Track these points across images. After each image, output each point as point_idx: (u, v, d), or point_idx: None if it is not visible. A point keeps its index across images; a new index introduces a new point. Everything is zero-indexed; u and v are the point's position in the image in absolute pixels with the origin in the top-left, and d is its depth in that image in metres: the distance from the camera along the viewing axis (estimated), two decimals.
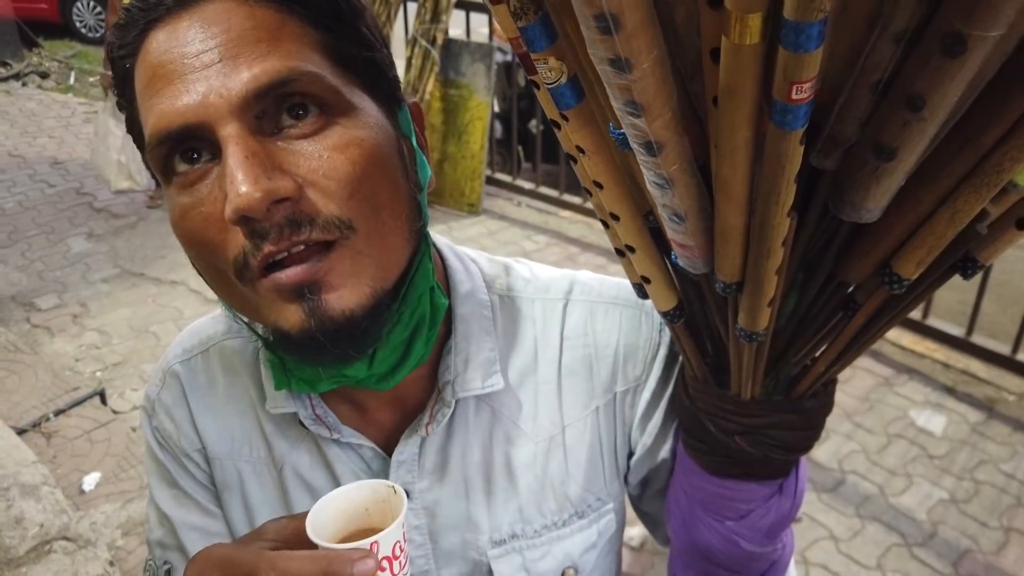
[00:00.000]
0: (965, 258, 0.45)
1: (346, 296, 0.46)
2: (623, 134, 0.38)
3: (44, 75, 7.28)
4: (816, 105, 0.38)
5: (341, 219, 0.45)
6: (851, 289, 0.45)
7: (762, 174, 0.36)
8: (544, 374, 0.60)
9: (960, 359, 2.95)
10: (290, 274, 0.44)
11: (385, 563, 0.42)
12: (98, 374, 3.06)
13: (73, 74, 7.33)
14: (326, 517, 0.45)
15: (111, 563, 2.07)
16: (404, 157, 0.51)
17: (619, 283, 0.62)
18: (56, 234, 4.26)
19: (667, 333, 0.61)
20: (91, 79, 7.16)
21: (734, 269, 0.42)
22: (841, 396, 2.80)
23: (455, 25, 4.16)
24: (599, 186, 0.45)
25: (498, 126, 4.50)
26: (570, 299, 0.62)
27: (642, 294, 0.52)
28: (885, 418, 2.69)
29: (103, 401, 2.82)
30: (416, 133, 0.55)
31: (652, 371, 0.60)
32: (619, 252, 0.50)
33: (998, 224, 0.44)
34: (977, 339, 2.93)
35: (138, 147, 0.49)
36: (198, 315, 3.60)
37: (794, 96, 0.32)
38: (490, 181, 4.51)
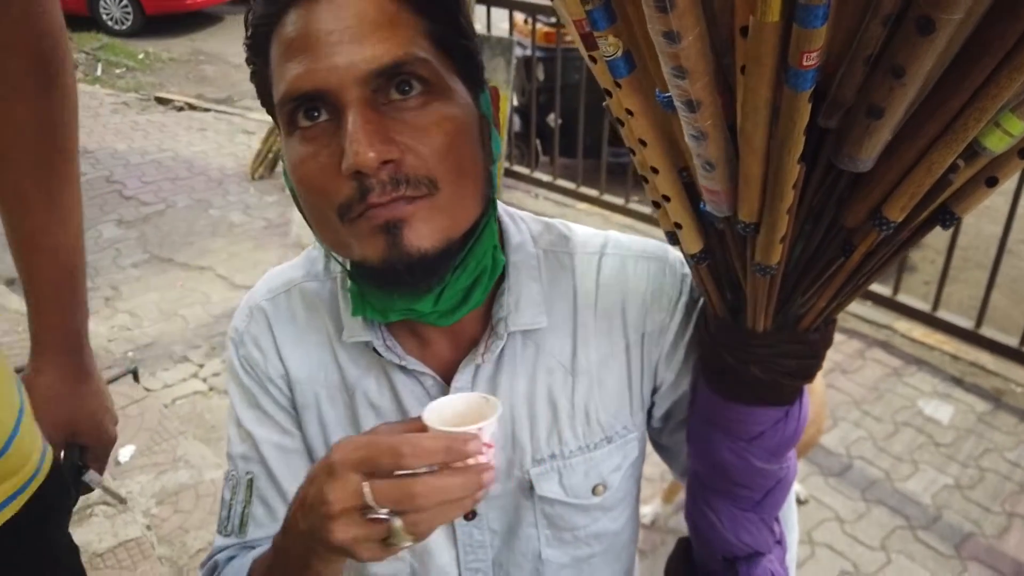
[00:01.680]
0: (944, 211, 0.55)
1: (423, 238, 0.56)
2: (669, 97, 0.47)
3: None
4: (823, 75, 0.47)
5: (431, 179, 0.55)
6: (848, 234, 0.54)
7: (777, 128, 0.45)
8: (582, 317, 0.70)
9: (969, 351, 3.02)
10: (381, 211, 0.55)
11: (485, 448, 0.52)
12: (130, 354, 3.18)
13: (100, 66, 7.48)
14: (437, 419, 0.55)
15: (148, 527, 2.18)
16: (483, 133, 0.62)
17: (646, 241, 0.73)
18: (87, 221, 4.34)
19: (688, 283, 0.70)
20: (117, 71, 7.31)
21: (753, 210, 0.51)
22: (851, 385, 2.88)
23: (475, 20, 4.24)
24: (643, 144, 0.54)
25: (517, 120, 4.59)
26: (604, 252, 0.72)
27: (673, 240, 0.61)
28: (893, 407, 2.77)
29: (136, 379, 2.93)
30: (492, 114, 0.64)
31: (675, 315, 0.70)
32: (655, 204, 0.60)
33: (972, 182, 0.53)
34: (986, 331, 2.99)
35: (261, 101, 0.60)
36: (225, 300, 3.68)
37: (804, 63, 0.41)
38: (508, 174, 4.60)
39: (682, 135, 0.50)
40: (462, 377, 0.67)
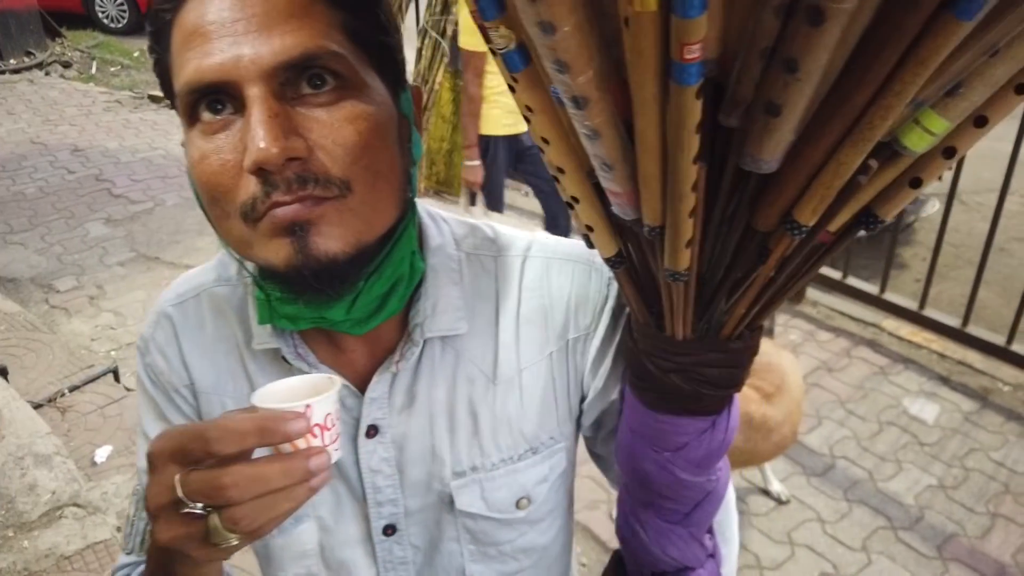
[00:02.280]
0: (867, 214, 0.52)
1: (332, 242, 0.53)
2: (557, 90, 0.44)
3: (67, 65, 7.41)
4: (720, 70, 0.44)
5: (342, 180, 0.52)
6: (764, 238, 0.51)
7: (669, 125, 0.42)
8: (504, 322, 0.67)
9: (956, 349, 2.99)
10: (287, 211, 0.51)
11: (317, 430, 0.48)
12: (112, 353, 3.16)
13: (95, 64, 7.47)
14: (269, 399, 0.50)
15: (118, 529, 2.16)
16: (402, 134, 0.59)
17: (573, 242, 0.69)
18: (75, 219, 4.38)
19: (615, 287, 0.67)
20: (112, 69, 7.28)
21: (655, 213, 0.48)
22: (836, 384, 2.85)
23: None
24: (546, 142, 0.51)
25: None
26: (528, 255, 0.68)
27: (589, 243, 0.58)
28: (878, 406, 2.74)
29: (116, 378, 2.92)
30: (414, 114, 0.61)
31: (601, 320, 0.67)
32: (568, 205, 0.57)
33: (895, 184, 0.50)
34: (973, 329, 2.97)
35: (164, 91, 0.56)
36: None
37: (686, 56, 0.38)
38: None
39: None
40: (378, 387, 0.64)
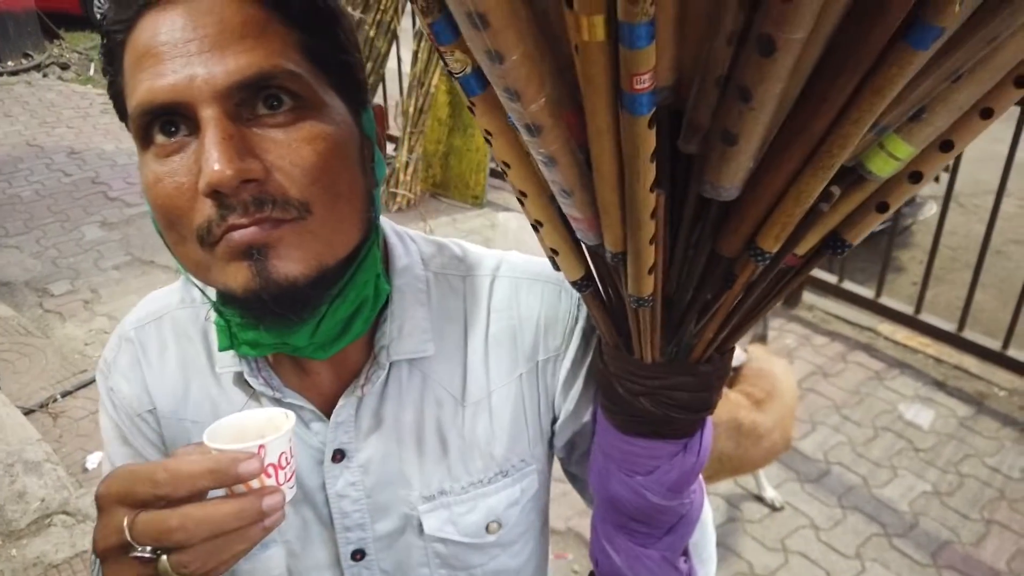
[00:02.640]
0: (834, 238, 0.51)
1: (292, 265, 0.51)
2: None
3: (64, 66, 7.41)
4: (677, 96, 0.43)
5: (301, 202, 0.51)
6: (730, 264, 0.51)
7: (624, 155, 0.41)
8: (472, 344, 0.66)
9: (952, 354, 2.98)
10: (243, 234, 0.50)
11: (271, 469, 0.47)
12: None
13: (93, 66, 7.45)
14: (222, 436, 0.49)
15: None
16: (364, 154, 0.57)
17: (543, 262, 0.68)
18: (71, 222, 4.37)
19: (585, 307, 0.66)
20: None
21: (616, 239, 0.47)
22: (831, 389, 2.84)
23: None
24: (507, 166, 0.50)
25: None
26: (497, 275, 0.67)
27: (555, 266, 0.57)
28: (873, 411, 2.73)
29: None
30: (377, 134, 0.60)
31: (572, 341, 0.66)
32: (534, 227, 0.56)
33: (862, 208, 0.49)
34: (969, 334, 2.95)
35: (119, 114, 0.56)
36: None
37: (636, 86, 0.37)
38: (494, 174, 4.56)
39: None
40: (343, 411, 0.63)
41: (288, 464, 0.49)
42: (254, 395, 0.64)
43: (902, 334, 3.11)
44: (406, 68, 4.32)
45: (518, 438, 0.67)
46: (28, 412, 2.62)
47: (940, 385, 2.85)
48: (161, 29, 0.50)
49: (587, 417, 0.67)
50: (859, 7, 0.35)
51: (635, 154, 0.40)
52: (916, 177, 0.47)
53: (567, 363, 0.66)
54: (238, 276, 0.51)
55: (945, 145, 0.45)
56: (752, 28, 0.37)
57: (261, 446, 0.47)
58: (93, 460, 2.50)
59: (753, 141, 0.40)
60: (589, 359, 0.66)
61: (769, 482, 2.37)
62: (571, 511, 2.29)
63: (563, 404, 0.67)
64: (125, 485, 0.45)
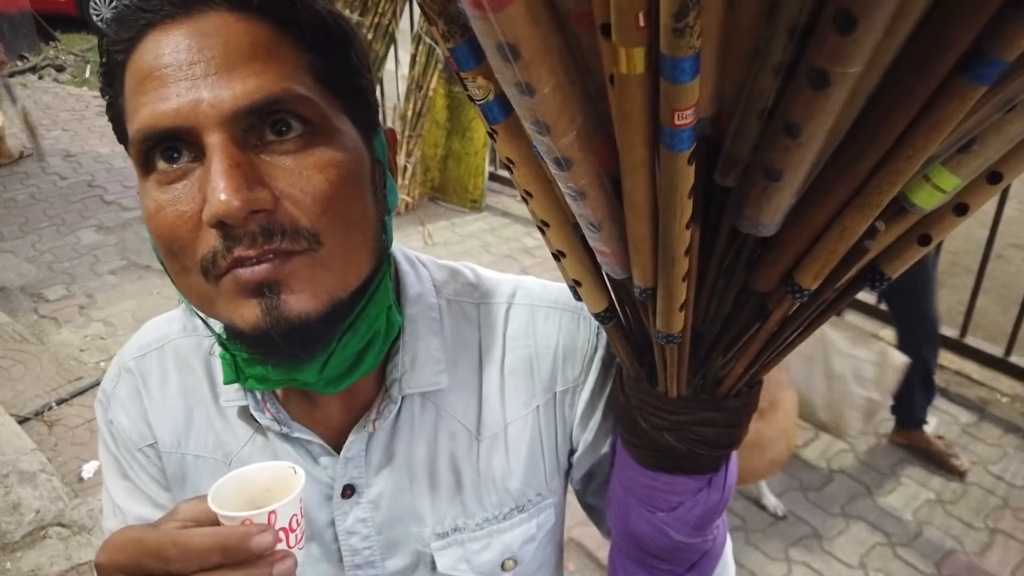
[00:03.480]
0: (873, 271, 0.48)
1: (304, 300, 0.49)
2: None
3: (60, 68, 7.36)
4: (715, 128, 0.41)
5: (311, 232, 0.48)
6: (763, 298, 0.48)
7: (660, 190, 0.39)
8: (488, 374, 0.63)
9: (954, 360, 2.97)
10: (254, 271, 0.47)
11: (282, 534, 0.45)
12: (102, 364, 3.12)
13: (89, 67, 7.40)
14: (228, 494, 0.47)
15: None
16: (376, 180, 0.55)
17: (560, 288, 0.65)
18: (66, 226, 4.33)
19: (604, 335, 0.64)
20: None
21: (646, 275, 0.45)
22: None
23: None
24: (529, 195, 0.48)
25: None
26: (512, 303, 0.65)
27: (577, 296, 0.55)
28: (876, 418, 2.71)
29: None
30: (388, 158, 0.58)
31: (591, 372, 0.64)
32: (555, 257, 0.53)
33: (902, 240, 0.47)
34: (971, 340, 2.94)
35: (118, 136, 0.53)
36: None
37: (677, 121, 0.35)
38: (493, 178, 4.55)
39: None
40: (353, 446, 0.61)
41: (299, 526, 0.47)
42: (259, 429, 0.62)
43: None
44: (404, 71, 4.30)
45: (534, 471, 0.65)
46: (23, 420, 2.59)
47: (942, 391, 2.84)
48: (164, 50, 0.47)
49: (606, 448, 0.65)
50: (919, 40, 0.33)
51: (672, 190, 0.38)
52: (961, 209, 0.44)
53: (586, 394, 0.64)
54: (246, 314, 0.48)
55: (993, 177, 0.43)
56: (802, 59, 0.34)
57: (272, 512, 0.45)
58: (89, 469, 2.46)
59: (798, 177, 0.38)
60: (608, 390, 0.64)
61: (771, 491, 2.35)
62: (572, 520, 2.25)
63: (581, 436, 0.65)
64: (132, 557, 0.43)
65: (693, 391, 0.55)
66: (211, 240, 0.47)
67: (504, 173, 4.55)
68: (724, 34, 0.35)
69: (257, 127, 0.47)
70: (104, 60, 0.51)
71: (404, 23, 4.33)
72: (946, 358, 2.98)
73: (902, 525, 2.29)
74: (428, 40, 4.08)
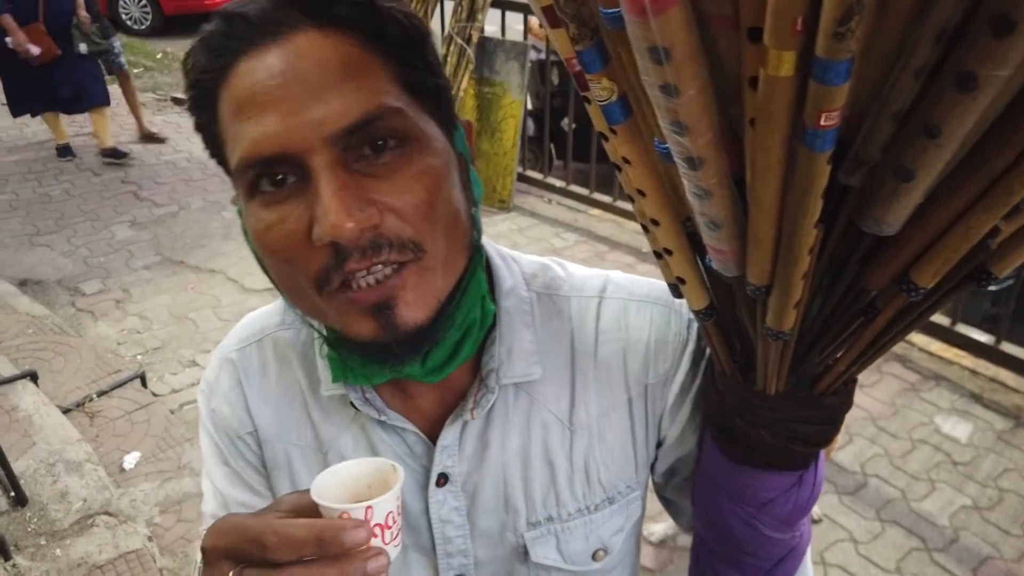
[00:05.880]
0: (980, 270, 0.49)
1: (416, 310, 0.51)
2: (668, 148, 0.42)
3: None
4: (845, 127, 0.42)
5: (414, 241, 0.50)
6: (872, 295, 0.49)
7: (792, 189, 0.40)
8: (580, 366, 0.64)
9: (989, 367, 2.94)
10: (368, 295, 0.50)
11: (377, 530, 0.46)
12: (139, 357, 3.17)
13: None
14: (329, 488, 0.49)
15: (149, 538, 2.16)
16: (462, 175, 0.57)
17: (650, 282, 0.67)
18: (101, 221, 4.40)
19: (695, 330, 0.65)
20: (135, 71, 7.31)
21: (764, 273, 0.46)
22: (867, 400, 2.81)
23: (490, 23, 4.21)
24: (642, 194, 0.49)
25: (531, 124, 4.54)
26: (604, 296, 0.66)
27: (676, 294, 0.56)
28: (910, 423, 2.70)
29: (143, 384, 2.92)
30: (468, 149, 0.59)
31: (681, 365, 0.65)
32: (657, 254, 0.55)
33: (1013, 239, 0.47)
34: (1006, 347, 2.91)
35: (217, 161, 0.54)
36: (235, 303, 3.64)
37: (822, 123, 0.36)
38: (521, 178, 4.56)
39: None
40: (449, 434, 0.62)
41: (395, 523, 0.48)
42: (357, 416, 0.64)
43: (936, 346, 3.07)
44: None
45: (626, 464, 0.66)
46: (65, 411, 2.63)
47: (977, 398, 2.82)
48: (259, 77, 0.48)
49: (692, 444, 0.66)
50: None
51: (807, 190, 0.39)
52: None
53: (676, 387, 0.65)
54: (363, 328, 0.51)
55: None
56: (947, 62, 0.35)
57: (369, 507, 0.46)
58: (130, 460, 2.50)
59: (931, 178, 0.39)
60: (697, 384, 0.65)
61: None
62: None
63: (669, 429, 0.66)
64: (234, 542, 0.45)
65: (789, 388, 0.56)
66: (322, 257, 0.49)
67: (533, 174, 4.56)
68: (867, 38, 0.36)
69: (356, 145, 0.49)
70: (193, 89, 0.52)
71: (435, 24, 4.36)
72: (980, 364, 2.95)
73: (938, 530, 2.28)
74: (459, 41, 4.10)
